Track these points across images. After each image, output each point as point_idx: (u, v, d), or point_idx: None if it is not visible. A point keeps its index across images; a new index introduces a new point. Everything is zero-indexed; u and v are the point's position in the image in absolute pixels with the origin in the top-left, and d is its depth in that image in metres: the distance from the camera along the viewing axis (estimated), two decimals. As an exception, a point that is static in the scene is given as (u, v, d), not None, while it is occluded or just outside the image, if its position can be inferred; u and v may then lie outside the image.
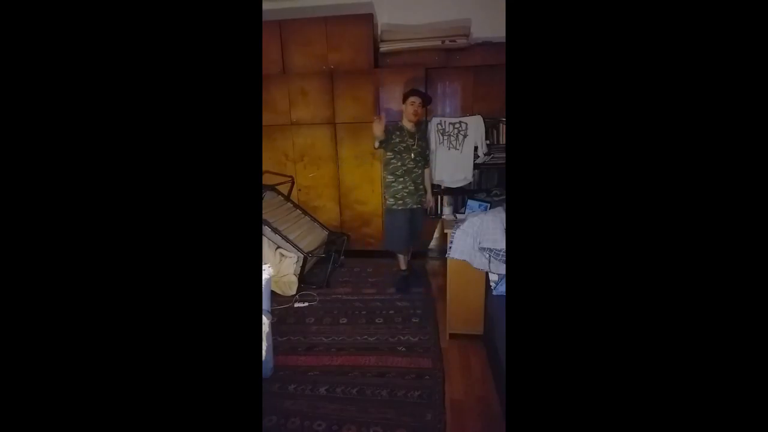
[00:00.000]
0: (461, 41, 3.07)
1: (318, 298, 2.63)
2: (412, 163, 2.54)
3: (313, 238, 3.02)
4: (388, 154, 2.54)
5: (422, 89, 2.68)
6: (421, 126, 2.69)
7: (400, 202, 2.58)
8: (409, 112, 2.50)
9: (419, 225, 2.74)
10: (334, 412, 1.61)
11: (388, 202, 2.63)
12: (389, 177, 2.58)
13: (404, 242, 2.72)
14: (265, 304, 1.68)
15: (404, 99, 2.56)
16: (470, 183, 3.21)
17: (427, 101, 2.58)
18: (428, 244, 3.48)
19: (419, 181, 2.61)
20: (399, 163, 2.54)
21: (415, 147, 2.55)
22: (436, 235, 3.46)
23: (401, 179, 2.55)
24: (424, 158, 2.65)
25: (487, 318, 2.00)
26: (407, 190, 2.57)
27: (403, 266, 2.86)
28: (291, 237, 2.75)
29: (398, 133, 2.50)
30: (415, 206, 2.63)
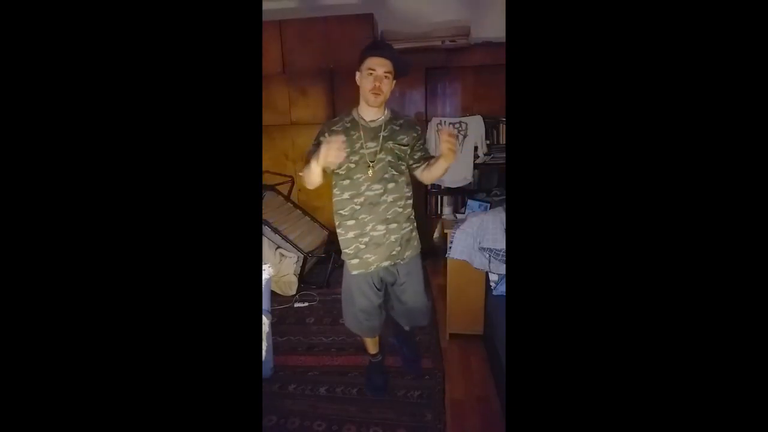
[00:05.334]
0: (461, 41, 3.07)
1: (318, 298, 2.63)
2: (369, 189, 1.35)
3: (313, 238, 3.02)
4: (339, 171, 1.38)
5: (389, 44, 1.40)
6: (389, 117, 1.38)
7: (356, 261, 1.42)
8: (365, 88, 1.29)
9: (416, 295, 1.51)
10: (334, 412, 1.61)
11: (344, 253, 1.46)
12: (342, 211, 1.40)
13: (369, 323, 1.54)
14: (265, 304, 1.68)
15: (360, 63, 1.31)
16: (470, 183, 3.21)
17: (400, 69, 1.31)
18: (428, 244, 3.48)
19: (397, 216, 1.38)
20: (355, 190, 1.35)
21: (380, 155, 1.33)
22: (436, 235, 3.46)
23: (359, 218, 1.36)
24: (402, 172, 1.40)
25: (487, 318, 2.00)
26: (367, 238, 1.37)
27: (372, 350, 1.72)
28: (291, 237, 2.75)
29: (349, 133, 1.33)
30: (392, 263, 1.43)
